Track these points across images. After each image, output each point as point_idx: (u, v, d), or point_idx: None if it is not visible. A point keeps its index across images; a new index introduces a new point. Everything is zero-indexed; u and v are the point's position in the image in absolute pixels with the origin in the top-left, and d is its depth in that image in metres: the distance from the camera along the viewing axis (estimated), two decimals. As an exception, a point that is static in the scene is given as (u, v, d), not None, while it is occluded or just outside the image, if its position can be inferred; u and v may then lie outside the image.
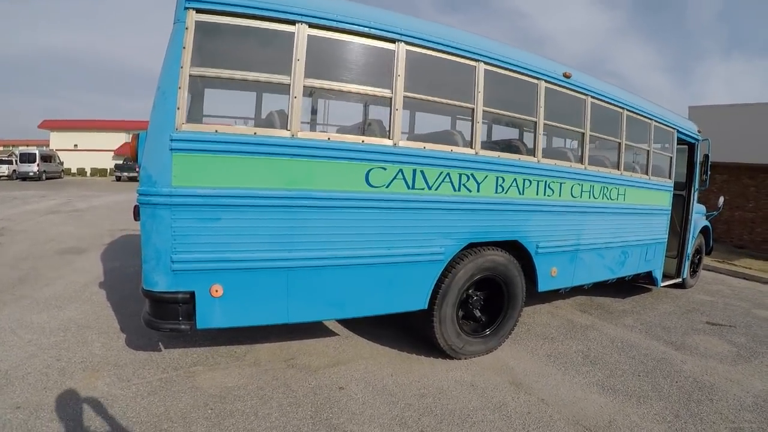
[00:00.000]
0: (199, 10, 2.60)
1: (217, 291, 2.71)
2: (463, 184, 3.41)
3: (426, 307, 3.42)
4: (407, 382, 3.29)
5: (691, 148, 6.49)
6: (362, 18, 2.92)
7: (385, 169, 3.01)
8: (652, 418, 3.12)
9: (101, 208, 13.64)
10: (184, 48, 2.59)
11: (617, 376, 3.75)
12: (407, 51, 3.08)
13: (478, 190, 3.50)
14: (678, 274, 6.77)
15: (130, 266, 6.18)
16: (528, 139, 5.23)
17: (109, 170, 39.12)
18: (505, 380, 3.49)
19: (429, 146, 3.29)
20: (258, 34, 2.78)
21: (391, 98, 3.07)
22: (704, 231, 7.36)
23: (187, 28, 2.59)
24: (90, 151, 40.46)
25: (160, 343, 3.61)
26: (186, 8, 2.59)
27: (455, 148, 3.45)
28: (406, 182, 3.11)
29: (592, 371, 3.81)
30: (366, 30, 2.95)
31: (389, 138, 3.08)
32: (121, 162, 34.32)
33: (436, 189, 3.27)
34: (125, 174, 31.14)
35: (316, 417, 2.74)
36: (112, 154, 40.41)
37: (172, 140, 2.55)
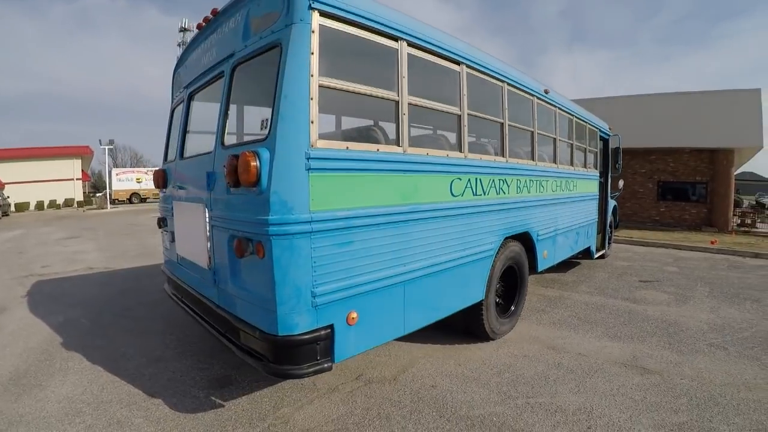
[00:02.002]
0: (322, 13, 2.50)
1: (353, 318, 2.67)
2: (500, 188, 4.20)
3: (483, 297, 4.07)
4: (476, 367, 3.84)
5: (606, 142, 8.27)
6: (441, 40, 3.34)
7: (460, 179, 3.58)
8: (657, 348, 4.24)
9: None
10: (312, 54, 2.45)
11: (612, 328, 4.85)
12: (468, 73, 3.68)
13: (507, 192, 4.31)
14: (603, 246, 8.50)
15: (78, 317, 5.23)
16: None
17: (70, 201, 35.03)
18: (542, 347, 4.30)
19: (483, 157, 3.99)
20: (368, 47, 2.82)
21: (460, 115, 3.62)
22: (613, 209, 9.28)
23: (313, 31, 2.46)
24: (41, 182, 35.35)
25: (212, 398, 3.29)
26: (311, 8, 2.45)
27: (497, 158, 4.22)
28: (472, 190, 3.74)
29: (593, 328, 4.84)
30: (444, 52, 3.36)
31: (461, 151, 3.67)
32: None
33: (487, 194, 3.97)
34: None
35: (443, 415, 3.02)
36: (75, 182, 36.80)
37: (309, 159, 2.42)
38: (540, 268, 5.24)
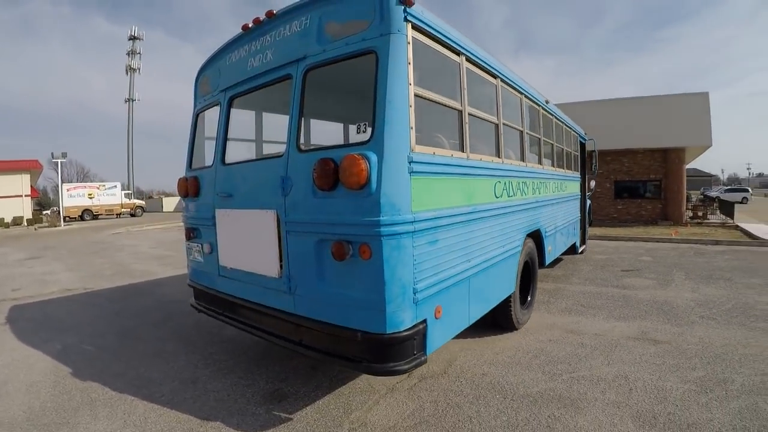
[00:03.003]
0: (414, 26, 2.75)
1: (439, 311, 2.91)
2: (523, 190, 4.81)
3: (514, 289, 4.63)
4: (513, 354, 4.32)
5: (583, 146, 9.18)
6: (485, 57, 3.83)
7: (500, 182, 4.12)
8: (658, 323, 4.99)
9: None
10: (408, 63, 2.67)
11: (614, 310, 5.57)
12: (502, 87, 4.23)
13: (527, 194, 4.93)
14: (583, 242, 9.36)
15: (78, 343, 4.93)
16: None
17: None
18: (562, 331, 4.91)
19: (513, 162, 4.55)
20: (439, 61, 3.13)
21: (497, 124, 4.15)
22: (588, 208, 10.25)
23: (408, 42, 2.68)
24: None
25: (275, 413, 3.26)
26: (406, 20, 2.66)
27: (519, 163, 4.81)
28: (507, 192, 4.31)
29: (598, 312, 5.54)
30: (487, 67, 3.85)
31: (498, 156, 4.18)
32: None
33: (515, 195, 4.56)
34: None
35: (506, 397, 3.40)
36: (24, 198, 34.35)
37: (411, 162, 2.65)
38: (547, 262, 5.91)
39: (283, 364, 4.15)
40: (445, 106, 3.24)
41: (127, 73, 55.22)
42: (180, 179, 4.25)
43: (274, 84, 3.35)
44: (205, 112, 4.24)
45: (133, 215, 36.65)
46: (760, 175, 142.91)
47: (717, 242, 11.15)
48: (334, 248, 2.69)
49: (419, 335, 2.73)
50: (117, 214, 35.54)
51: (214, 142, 3.90)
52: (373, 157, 2.54)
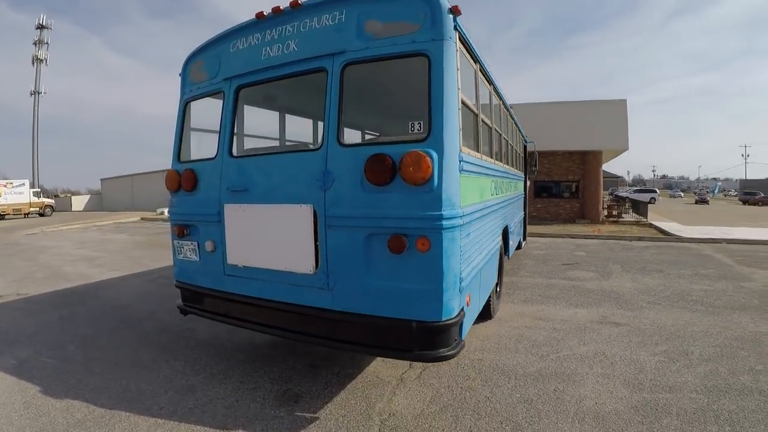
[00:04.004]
0: (460, 37, 3.02)
1: (469, 300, 3.17)
2: (501, 189, 5.26)
3: (497, 279, 5.07)
4: (498, 341, 4.69)
5: (525, 147, 10.01)
6: (487, 69, 4.32)
7: (494, 181, 4.52)
8: (613, 309, 5.75)
9: None
10: (458, 70, 2.93)
11: (570, 299, 6.27)
12: (491, 93, 4.73)
13: (503, 192, 5.41)
14: (524, 238, 10.20)
15: (34, 356, 4.35)
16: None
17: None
18: (532, 319, 5.43)
19: (496, 162, 4.94)
20: (467, 70, 3.41)
21: (491, 127, 4.54)
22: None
23: (457, 50, 2.94)
24: None
25: (297, 413, 3.24)
26: (455, 29, 2.90)
27: (500, 164, 5.24)
28: (497, 191, 4.74)
29: (556, 301, 6.19)
30: (489, 77, 4.37)
31: (491, 157, 4.56)
32: None
33: (498, 194, 4.98)
34: None
35: (510, 377, 3.81)
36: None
37: (461, 161, 2.93)
38: (510, 255, 6.48)
39: (278, 364, 4.10)
40: (470, 110, 3.54)
41: (33, 64, 49.79)
42: (170, 172, 4.05)
43: (301, 76, 3.36)
44: (198, 101, 4.08)
45: (42, 215, 33.41)
46: (663, 176, 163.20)
47: (640, 238, 12.74)
48: (392, 241, 2.85)
49: (460, 322, 2.98)
50: (25, 214, 32.30)
51: (216, 133, 3.78)
52: (434, 155, 2.75)
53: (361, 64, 3.07)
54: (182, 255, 4.07)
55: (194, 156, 4.12)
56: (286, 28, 3.36)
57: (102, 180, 45.96)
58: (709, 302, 5.95)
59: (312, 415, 3.22)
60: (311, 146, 3.29)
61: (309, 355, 4.27)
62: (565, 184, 20.16)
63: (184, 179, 3.93)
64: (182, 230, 3.99)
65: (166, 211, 23.73)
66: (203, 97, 4.02)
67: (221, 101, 3.81)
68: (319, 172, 3.12)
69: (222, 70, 3.78)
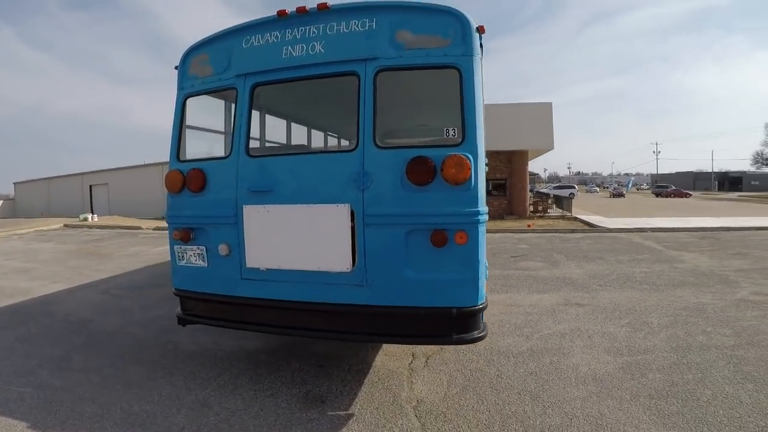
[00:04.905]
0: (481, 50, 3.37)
1: (486, 287, 3.42)
2: None
3: None
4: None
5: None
6: None
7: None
8: (572, 293, 6.50)
9: None
10: (482, 82, 3.22)
11: (531, 286, 6.98)
12: None
13: None
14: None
15: (9, 384, 4.00)
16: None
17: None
18: (504, 305, 5.96)
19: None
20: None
21: None
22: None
23: (481, 65, 3.22)
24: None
25: (330, 413, 3.29)
26: (481, 46, 3.21)
27: None
28: None
29: (519, 289, 6.86)
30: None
31: None
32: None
33: None
34: None
35: (509, 357, 4.28)
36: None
37: (486, 165, 3.31)
38: None
39: (284, 368, 4.08)
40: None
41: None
42: (172, 172, 3.85)
43: (329, 78, 3.47)
44: (199, 96, 3.96)
45: None
46: (578, 173, 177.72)
47: (573, 231, 14.09)
48: (434, 236, 3.15)
49: (487, 305, 3.35)
50: None
51: (214, 132, 3.85)
52: (471, 157, 3.13)
53: (394, 71, 3.33)
54: (184, 261, 3.87)
55: (209, 154, 4.03)
56: (310, 29, 3.43)
57: (15, 184, 40.84)
58: (652, 282, 6.96)
59: (345, 412, 3.31)
60: (348, 147, 3.44)
61: (310, 355, 4.36)
62: (494, 183, 21.52)
63: (189, 179, 3.76)
64: (186, 234, 3.79)
65: (89, 217, 21.83)
66: (209, 93, 3.95)
67: (220, 99, 3.86)
68: (356, 172, 3.28)
69: (233, 66, 3.70)
